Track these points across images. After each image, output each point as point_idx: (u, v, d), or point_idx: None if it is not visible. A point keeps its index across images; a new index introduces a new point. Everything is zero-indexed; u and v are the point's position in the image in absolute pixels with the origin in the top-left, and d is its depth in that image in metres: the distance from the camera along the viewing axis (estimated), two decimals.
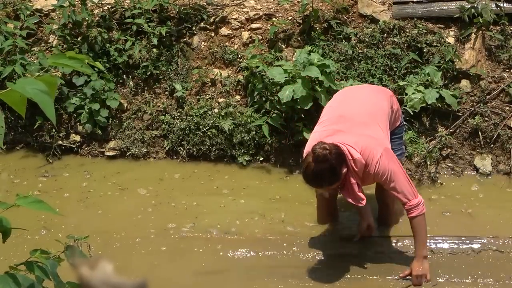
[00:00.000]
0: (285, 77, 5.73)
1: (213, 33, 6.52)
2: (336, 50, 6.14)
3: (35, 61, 6.40)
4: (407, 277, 4.49)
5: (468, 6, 5.91)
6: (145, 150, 6.26)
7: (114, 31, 6.57)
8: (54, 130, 6.34)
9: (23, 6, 6.67)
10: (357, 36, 6.15)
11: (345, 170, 4.13)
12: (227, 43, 6.44)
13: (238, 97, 6.24)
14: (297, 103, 5.69)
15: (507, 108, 5.83)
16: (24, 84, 1.70)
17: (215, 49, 6.42)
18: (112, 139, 6.37)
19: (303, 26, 6.29)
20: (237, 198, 5.63)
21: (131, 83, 6.47)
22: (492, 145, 5.78)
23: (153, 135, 6.29)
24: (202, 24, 6.54)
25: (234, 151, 6.05)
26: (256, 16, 6.46)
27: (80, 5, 6.50)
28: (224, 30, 6.48)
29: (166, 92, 6.40)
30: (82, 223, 5.34)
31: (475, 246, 4.75)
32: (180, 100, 6.29)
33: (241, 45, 6.41)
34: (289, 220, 5.25)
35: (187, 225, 5.27)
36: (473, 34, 6.00)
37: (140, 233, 5.21)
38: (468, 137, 5.83)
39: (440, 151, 5.79)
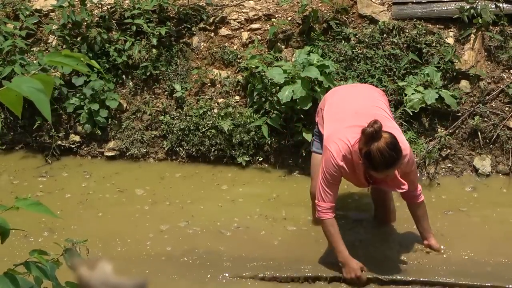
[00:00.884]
0: (285, 78, 5.73)
1: (212, 33, 6.52)
2: (335, 50, 6.14)
3: (35, 61, 6.40)
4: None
5: (468, 6, 5.91)
6: (145, 150, 6.26)
7: (113, 32, 6.57)
8: (53, 130, 6.33)
9: (22, 6, 6.67)
10: (357, 36, 6.15)
11: None
12: (226, 44, 6.44)
13: (237, 97, 6.24)
14: (297, 103, 5.69)
15: (507, 108, 5.83)
16: (20, 83, 1.69)
17: (215, 49, 6.42)
18: (112, 140, 6.36)
19: (302, 27, 6.29)
20: (236, 198, 5.64)
21: (130, 83, 6.46)
22: (491, 145, 5.78)
23: (153, 136, 6.29)
24: (201, 25, 6.54)
25: (233, 151, 6.05)
26: (255, 17, 6.46)
27: (79, 6, 6.50)
28: (223, 31, 6.48)
29: (166, 93, 6.40)
30: (84, 225, 5.33)
31: None
32: (180, 101, 6.29)
33: (241, 45, 6.41)
34: (290, 220, 5.25)
35: (181, 224, 5.29)
36: (472, 35, 6.00)
37: (139, 233, 5.21)
38: (467, 137, 5.83)
39: (439, 151, 5.79)
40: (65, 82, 6.35)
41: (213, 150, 6.09)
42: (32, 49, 6.67)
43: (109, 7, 6.66)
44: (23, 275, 2.08)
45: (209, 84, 6.34)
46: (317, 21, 6.24)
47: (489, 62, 6.01)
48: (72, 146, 6.40)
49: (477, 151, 5.80)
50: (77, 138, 6.40)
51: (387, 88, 5.88)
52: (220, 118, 6.07)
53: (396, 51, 6.01)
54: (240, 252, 4.92)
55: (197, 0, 6.65)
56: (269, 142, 5.98)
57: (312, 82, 5.70)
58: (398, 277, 4.56)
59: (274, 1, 6.57)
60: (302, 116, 5.83)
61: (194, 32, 6.54)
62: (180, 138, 6.17)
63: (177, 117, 6.23)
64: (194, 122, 6.11)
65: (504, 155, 5.75)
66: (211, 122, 6.08)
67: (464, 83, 5.92)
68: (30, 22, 6.60)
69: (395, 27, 6.09)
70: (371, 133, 3.96)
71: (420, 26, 6.06)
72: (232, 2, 6.63)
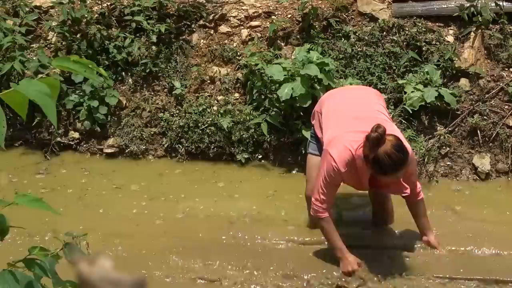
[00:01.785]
0: (284, 75, 5.73)
1: (212, 30, 6.52)
2: (335, 48, 6.14)
3: (34, 58, 6.40)
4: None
5: (468, 4, 5.91)
6: (144, 147, 6.26)
7: (113, 28, 6.57)
8: (52, 127, 6.33)
9: (22, 3, 6.67)
10: (356, 34, 6.15)
11: None
12: (226, 41, 6.44)
13: (237, 94, 6.24)
14: (296, 101, 5.69)
15: (506, 107, 5.83)
16: (27, 86, 1.70)
17: (214, 46, 6.42)
18: (111, 136, 6.36)
19: (302, 24, 6.29)
20: (233, 194, 5.67)
21: (130, 80, 6.46)
22: (491, 144, 5.78)
23: (152, 133, 6.29)
24: (201, 22, 6.54)
25: (233, 148, 6.05)
26: (255, 14, 6.46)
27: (79, 2, 6.50)
28: (223, 28, 6.48)
29: (165, 90, 6.40)
30: (83, 222, 5.34)
31: None
32: (179, 98, 6.29)
33: (240, 42, 6.41)
34: (289, 216, 5.26)
35: (179, 215, 5.35)
36: (472, 33, 6.00)
37: (138, 229, 5.22)
38: (467, 135, 5.83)
39: (439, 149, 5.79)
40: (64, 78, 6.34)
41: (212, 147, 6.09)
42: (31, 45, 6.67)
43: (108, 4, 6.66)
44: (22, 269, 2.08)
45: (208, 81, 6.34)
46: (317, 19, 6.24)
47: (488, 60, 6.01)
48: (72, 143, 6.40)
49: (476, 149, 5.80)
50: (76, 134, 6.40)
51: (386, 86, 5.88)
52: (219, 115, 6.07)
53: (396, 49, 6.01)
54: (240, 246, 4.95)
55: None
56: (268, 139, 5.98)
57: (311, 79, 5.70)
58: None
59: None
60: (301, 113, 5.83)
61: (194, 29, 6.54)
62: (179, 135, 6.17)
63: (176, 114, 6.23)
64: (194, 119, 6.11)
65: (503, 154, 5.75)
66: (210, 119, 6.08)
67: (463, 81, 5.92)
68: (30, 18, 6.60)
69: (395, 25, 6.09)
70: (376, 138, 3.96)
71: (420, 24, 6.06)
72: None
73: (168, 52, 6.44)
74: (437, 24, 6.13)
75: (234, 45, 6.41)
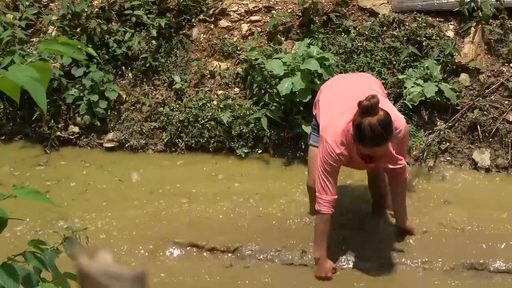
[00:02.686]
0: (284, 70, 5.73)
1: (212, 25, 6.51)
2: (335, 43, 6.13)
3: (34, 52, 6.39)
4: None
5: (468, 0, 5.91)
6: (144, 142, 6.26)
7: (113, 23, 6.56)
8: (52, 121, 6.33)
9: None
10: (357, 29, 6.15)
11: None
12: (226, 35, 6.43)
13: (237, 89, 6.23)
14: (296, 95, 5.68)
15: (506, 102, 5.83)
16: (16, 71, 1.67)
17: (214, 41, 6.41)
18: (111, 131, 6.36)
19: (302, 19, 6.28)
20: (232, 186, 5.72)
21: (130, 74, 6.46)
22: (490, 139, 5.78)
23: (152, 127, 6.28)
24: (201, 16, 6.53)
25: (232, 143, 6.05)
26: (255, 9, 6.45)
27: None
28: (223, 22, 6.47)
29: (165, 84, 6.40)
30: (84, 215, 5.38)
31: None
32: (179, 92, 6.29)
33: (240, 37, 6.41)
34: (288, 210, 5.28)
35: (177, 209, 5.42)
36: (472, 28, 5.99)
37: (138, 223, 5.25)
38: (467, 131, 5.83)
39: (439, 144, 5.79)
40: (64, 73, 6.34)
41: (212, 142, 6.09)
42: (31, 39, 6.66)
43: None
44: (22, 263, 2.08)
45: (208, 76, 6.33)
46: (317, 14, 6.23)
47: (489, 56, 6.00)
48: (71, 137, 6.40)
49: (476, 144, 5.80)
50: (76, 129, 6.40)
51: (386, 81, 5.88)
52: (219, 110, 6.07)
53: (396, 44, 6.01)
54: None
55: None
56: (268, 134, 5.98)
57: (311, 74, 5.70)
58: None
59: None
60: (301, 108, 5.83)
61: (194, 24, 6.53)
62: (179, 129, 6.17)
63: (176, 109, 6.22)
64: (194, 114, 6.11)
65: (503, 149, 5.75)
66: (210, 114, 6.07)
67: (463, 77, 5.91)
68: (30, 12, 6.59)
69: (395, 20, 6.08)
70: (366, 106, 3.94)
71: (420, 19, 6.05)
72: None
73: (168, 46, 6.44)
74: (437, 19, 6.12)
75: (234, 40, 6.40)
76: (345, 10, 6.26)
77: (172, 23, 6.45)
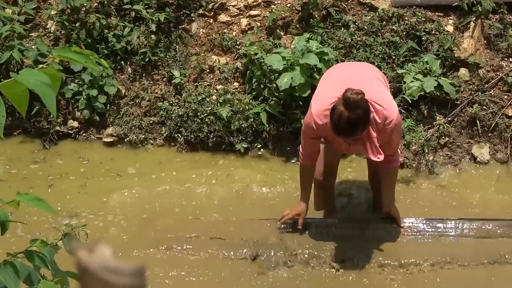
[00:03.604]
0: (284, 65, 5.72)
1: (211, 19, 6.50)
2: (334, 37, 6.13)
3: (33, 47, 6.38)
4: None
5: None
6: (143, 136, 6.25)
7: (112, 17, 6.55)
8: (51, 116, 6.33)
9: None
10: (356, 23, 6.14)
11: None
12: (225, 30, 6.42)
13: (236, 84, 6.23)
14: (295, 90, 5.68)
15: (505, 97, 5.83)
16: (28, 75, 1.68)
17: (214, 36, 6.41)
18: (110, 125, 6.36)
19: (302, 14, 6.27)
20: (231, 178, 5.77)
21: (129, 69, 6.45)
22: (490, 134, 5.78)
23: (151, 122, 6.28)
24: (200, 11, 6.53)
25: (232, 138, 6.05)
26: (255, 3, 6.45)
27: None
28: (222, 17, 6.47)
29: (164, 79, 6.39)
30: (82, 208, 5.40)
31: None
32: (178, 87, 6.29)
33: (240, 32, 6.40)
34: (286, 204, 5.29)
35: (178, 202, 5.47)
36: (472, 23, 5.99)
37: (136, 216, 5.27)
38: (466, 125, 5.84)
39: (438, 139, 5.79)
40: (63, 67, 6.33)
41: (211, 136, 6.08)
42: (30, 34, 6.65)
43: None
44: (21, 259, 2.09)
45: (207, 70, 6.33)
46: (317, 8, 6.23)
47: (488, 50, 6.00)
48: (71, 132, 6.40)
49: (475, 139, 5.81)
50: (75, 123, 6.39)
51: (386, 75, 5.85)
52: (218, 104, 6.07)
53: (395, 39, 6.00)
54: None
55: None
56: (267, 129, 5.98)
57: (311, 69, 5.70)
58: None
59: None
60: (300, 103, 5.83)
61: (193, 18, 6.52)
62: (178, 124, 6.17)
63: (175, 104, 6.22)
64: (193, 109, 6.11)
65: (502, 144, 5.76)
66: (209, 108, 6.07)
67: (463, 71, 5.91)
68: (29, 7, 6.58)
69: (395, 15, 6.08)
70: (348, 99, 3.91)
71: (419, 14, 6.05)
72: None
73: (167, 41, 6.43)
74: (436, 13, 6.12)
75: (234, 34, 6.40)
76: (344, 5, 6.26)
77: (171, 17, 6.44)
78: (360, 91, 3.93)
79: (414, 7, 6.11)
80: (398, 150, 4.53)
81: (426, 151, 5.73)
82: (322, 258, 4.66)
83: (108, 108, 6.35)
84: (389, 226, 4.82)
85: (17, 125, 6.48)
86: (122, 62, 6.48)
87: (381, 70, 5.81)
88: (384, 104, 4.15)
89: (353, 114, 3.91)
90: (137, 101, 6.36)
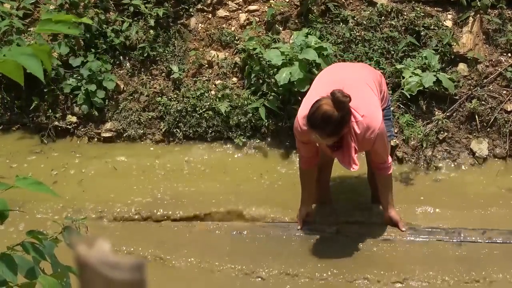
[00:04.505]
0: (282, 60, 5.72)
1: (210, 14, 6.49)
2: (333, 32, 6.12)
3: (32, 42, 6.37)
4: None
5: None
6: (142, 131, 6.25)
7: (111, 12, 6.54)
8: (50, 111, 6.32)
9: None
10: (355, 19, 6.14)
11: (346, 129, 4.17)
12: (224, 25, 6.42)
13: (235, 79, 6.22)
14: (294, 85, 5.68)
15: (504, 92, 5.83)
16: (15, 52, 1.72)
17: (212, 31, 6.40)
18: (109, 121, 6.35)
19: (300, 9, 6.27)
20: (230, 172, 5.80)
21: (127, 64, 6.45)
22: (488, 129, 5.78)
23: (150, 117, 6.28)
24: (199, 6, 6.52)
25: (230, 133, 6.05)
26: None
27: None
28: (221, 12, 6.46)
29: (163, 74, 6.39)
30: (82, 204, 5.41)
31: None
32: (177, 82, 6.28)
33: (238, 27, 6.39)
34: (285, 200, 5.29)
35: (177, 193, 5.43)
36: (471, 18, 5.99)
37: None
38: (464, 120, 5.83)
39: (436, 134, 5.79)
40: (62, 62, 6.33)
41: (210, 131, 6.08)
42: (29, 29, 6.64)
43: None
44: (22, 253, 2.08)
45: (206, 65, 6.32)
46: (315, 3, 6.22)
47: (487, 45, 6.00)
48: (69, 127, 6.39)
49: (474, 134, 5.81)
50: (74, 119, 6.39)
51: (385, 70, 5.87)
52: (217, 99, 6.06)
53: (394, 34, 6.00)
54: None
55: None
56: (266, 124, 5.98)
57: (309, 64, 5.69)
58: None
59: None
60: (299, 98, 5.81)
61: (192, 13, 6.51)
62: (177, 119, 6.17)
63: (174, 99, 6.22)
64: (191, 104, 6.11)
65: (501, 139, 5.76)
66: (208, 103, 6.07)
67: (462, 66, 5.91)
68: (27, 2, 6.57)
69: (394, 10, 6.07)
70: (333, 95, 4.01)
71: (418, 9, 6.04)
72: None
73: (166, 36, 6.42)
74: (435, 8, 6.11)
75: (232, 29, 6.39)
76: (343, 0, 6.25)
77: (170, 12, 6.43)
78: (348, 95, 4.01)
79: (413, 2, 6.11)
80: (390, 157, 4.61)
81: (425, 146, 5.73)
82: None
83: (106, 103, 6.35)
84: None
85: (16, 120, 6.48)
86: (121, 57, 6.47)
87: (380, 65, 5.84)
88: (367, 113, 4.22)
89: (331, 111, 4.00)
90: (135, 96, 6.36)
